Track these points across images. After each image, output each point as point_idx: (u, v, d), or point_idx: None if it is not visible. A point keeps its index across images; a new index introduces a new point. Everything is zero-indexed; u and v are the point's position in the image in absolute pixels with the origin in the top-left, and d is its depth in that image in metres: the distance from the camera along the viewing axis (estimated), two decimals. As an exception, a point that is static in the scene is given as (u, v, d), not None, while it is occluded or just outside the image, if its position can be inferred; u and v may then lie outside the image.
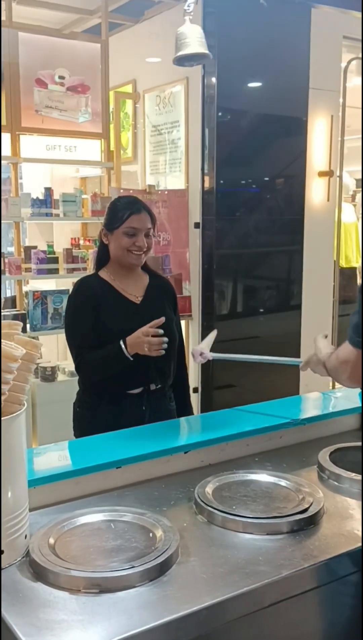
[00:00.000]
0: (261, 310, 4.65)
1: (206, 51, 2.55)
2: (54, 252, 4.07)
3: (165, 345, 2.05)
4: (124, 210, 2.22)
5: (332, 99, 4.64)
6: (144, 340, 2.05)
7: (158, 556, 1.28)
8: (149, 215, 2.25)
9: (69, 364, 4.15)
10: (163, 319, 2.07)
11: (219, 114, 4.22)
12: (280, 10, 4.20)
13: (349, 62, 5.08)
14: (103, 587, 1.21)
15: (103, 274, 2.31)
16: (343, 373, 1.50)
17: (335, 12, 4.57)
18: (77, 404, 2.32)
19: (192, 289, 4.44)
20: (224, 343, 3.92)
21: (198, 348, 2.17)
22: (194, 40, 2.62)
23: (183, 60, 2.59)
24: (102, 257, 2.33)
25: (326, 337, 1.86)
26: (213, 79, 4.23)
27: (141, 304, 2.28)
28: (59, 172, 4.95)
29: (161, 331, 2.04)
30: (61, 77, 4.10)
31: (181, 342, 2.42)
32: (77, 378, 2.34)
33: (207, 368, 4.28)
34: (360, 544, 1.35)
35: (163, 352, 2.06)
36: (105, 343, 2.15)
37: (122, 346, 2.08)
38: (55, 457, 1.77)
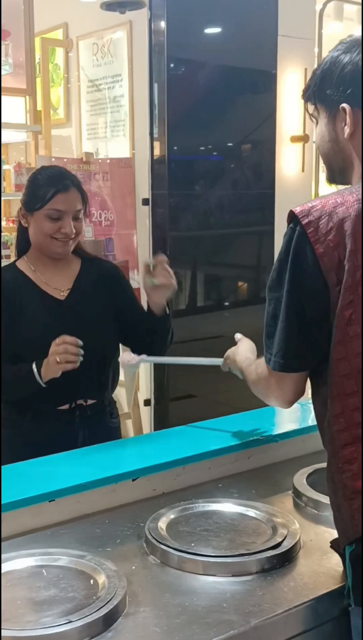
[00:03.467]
0: (226, 304, 4.68)
1: None
2: (-31, 236, 4.01)
3: (80, 356, 2.01)
4: (47, 188, 2.16)
5: (305, 49, 4.69)
6: (52, 352, 2.03)
7: (101, 607, 1.28)
8: (79, 193, 2.21)
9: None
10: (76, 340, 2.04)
11: (171, 65, 4.22)
12: None
13: (325, 5, 5.16)
14: (34, 647, 1.21)
15: (21, 264, 2.27)
16: (266, 391, 1.53)
17: None
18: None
19: (140, 278, 4.44)
20: (182, 345, 3.95)
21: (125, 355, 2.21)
22: None
23: (112, 7, 2.61)
24: (22, 243, 2.29)
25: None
26: (162, 23, 4.22)
27: (67, 300, 2.24)
28: (-26, 137, 4.87)
29: (79, 342, 2.02)
30: (-26, 20, 4.04)
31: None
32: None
33: (162, 376, 4.29)
34: (345, 583, 1.38)
35: (78, 362, 2.02)
36: (21, 355, 2.13)
37: (34, 370, 2.06)
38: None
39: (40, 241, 2.21)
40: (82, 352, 2.03)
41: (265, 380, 1.48)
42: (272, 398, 1.52)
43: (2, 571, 1.41)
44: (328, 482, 1.41)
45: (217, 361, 2.00)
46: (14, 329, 2.16)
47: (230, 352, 1.92)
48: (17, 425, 2.22)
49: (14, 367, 2.13)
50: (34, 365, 2.06)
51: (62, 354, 2.01)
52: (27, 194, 2.22)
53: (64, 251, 2.24)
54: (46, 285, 2.24)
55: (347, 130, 1.40)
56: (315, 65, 5.02)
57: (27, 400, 2.20)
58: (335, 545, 1.45)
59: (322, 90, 1.44)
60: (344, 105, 1.39)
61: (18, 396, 2.18)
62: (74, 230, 2.19)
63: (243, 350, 1.85)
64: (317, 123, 1.49)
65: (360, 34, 1.46)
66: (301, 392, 1.47)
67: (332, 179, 1.50)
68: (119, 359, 2.19)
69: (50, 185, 2.16)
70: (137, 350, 2.24)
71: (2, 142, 5.04)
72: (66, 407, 2.22)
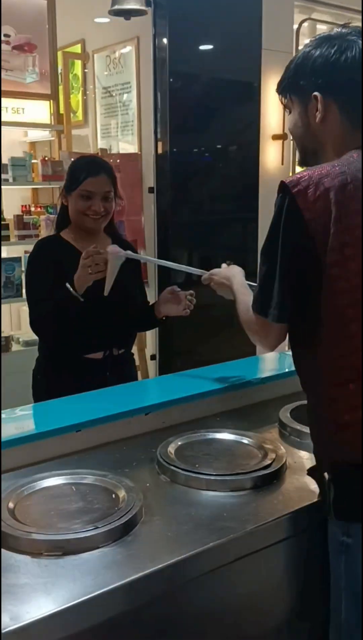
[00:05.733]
0: (217, 276, 4.63)
1: (142, 7, 2.60)
2: (4, 219, 3.94)
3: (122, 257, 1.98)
4: (80, 172, 2.13)
5: (284, 61, 4.57)
6: (82, 265, 1.99)
7: (122, 516, 1.26)
8: (109, 178, 2.16)
9: (23, 334, 4.06)
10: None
11: (171, 79, 4.13)
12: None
13: (301, 24, 5.03)
14: (66, 549, 1.19)
15: (65, 234, 2.24)
16: (254, 334, 1.46)
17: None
18: (37, 371, 2.26)
19: (148, 254, 4.38)
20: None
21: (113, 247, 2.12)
22: None
23: (120, 13, 2.63)
24: (63, 219, 2.25)
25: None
26: (164, 40, 4.11)
27: None
28: (7, 135, 4.76)
29: (100, 250, 1.97)
30: (7, 35, 3.93)
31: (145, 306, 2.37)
32: (33, 348, 2.27)
33: (165, 334, 4.25)
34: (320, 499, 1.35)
35: (101, 272, 1.98)
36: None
37: (68, 285, 2.01)
38: (12, 422, 1.72)
39: (75, 217, 2.18)
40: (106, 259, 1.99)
41: (256, 325, 1.41)
42: (258, 341, 1.46)
43: (38, 487, 1.39)
44: (310, 416, 1.37)
45: (200, 272, 1.92)
46: (60, 282, 2.08)
47: (223, 273, 1.82)
48: (56, 373, 2.19)
49: (55, 297, 2.07)
50: (67, 284, 2.02)
51: (91, 265, 1.98)
52: (67, 178, 2.20)
53: (96, 226, 2.19)
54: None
55: (318, 115, 1.34)
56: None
57: (64, 350, 2.15)
58: (311, 472, 1.43)
59: (296, 81, 1.37)
60: (316, 93, 1.34)
61: (64, 319, 2.07)
62: (103, 209, 2.14)
63: (240, 279, 1.73)
64: (290, 112, 1.42)
65: (327, 33, 1.38)
66: (280, 343, 1.42)
67: (304, 161, 1.44)
68: (108, 249, 2.07)
69: (83, 170, 2.14)
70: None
71: (30, 140, 4.99)
72: (98, 356, 2.17)
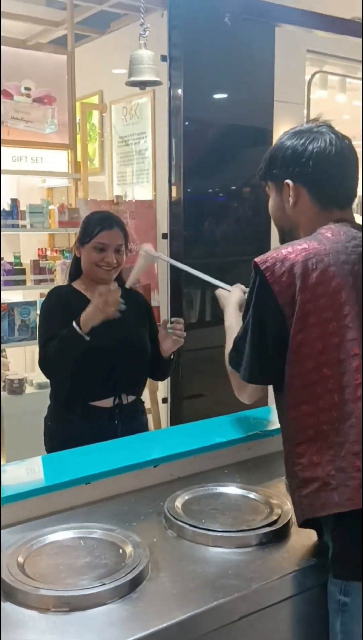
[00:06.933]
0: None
1: (156, 78, 2.81)
2: (21, 264, 4.04)
3: (122, 307, 2.05)
4: (95, 226, 2.23)
5: (296, 111, 4.72)
6: (96, 302, 2.05)
7: (128, 573, 1.28)
8: (121, 232, 2.25)
9: (37, 376, 4.11)
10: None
11: (186, 123, 4.25)
12: (245, 25, 4.26)
13: (313, 75, 5.18)
14: (73, 605, 1.21)
15: (76, 284, 2.33)
16: (232, 383, 1.58)
17: (298, 28, 4.65)
18: (49, 418, 2.31)
19: (161, 298, 4.45)
20: (195, 352, 3.95)
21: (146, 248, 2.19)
22: (147, 67, 3.01)
23: (135, 84, 2.87)
24: (76, 270, 2.34)
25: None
26: (179, 91, 4.25)
27: None
28: (25, 182, 4.92)
29: (115, 286, 2.03)
30: (27, 89, 4.08)
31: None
32: (46, 390, 2.32)
33: (176, 377, 4.28)
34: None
35: (121, 310, 2.05)
36: None
37: (74, 325, 2.07)
38: (24, 474, 1.75)
39: (88, 268, 2.26)
40: (122, 301, 2.05)
41: (232, 376, 1.55)
42: (235, 391, 1.59)
43: (48, 542, 1.41)
44: (287, 474, 1.44)
45: (224, 286, 1.96)
46: (69, 325, 2.13)
47: (222, 298, 1.89)
48: (67, 420, 2.23)
49: (61, 335, 2.12)
50: (73, 323, 2.08)
51: (104, 303, 2.05)
52: (81, 231, 2.30)
53: (108, 277, 2.26)
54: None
55: (291, 200, 1.46)
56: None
57: (74, 396, 2.20)
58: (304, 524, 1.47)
59: (271, 169, 1.50)
60: (287, 181, 1.46)
61: (70, 358, 2.14)
62: (115, 261, 2.23)
63: (232, 310, 1.80)
64: (269, 197, 1.55)
65: (300, 127, 1.51)
66: (256, 398, 1.56)
67: (283, 240, 1.55)
68: (142, 245, 2.16)
69: (98, 224, 2.23)
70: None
71: (48, 187, 5.12)
72: (108, 404, 2.21)
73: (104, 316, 2.07)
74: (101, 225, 2.22)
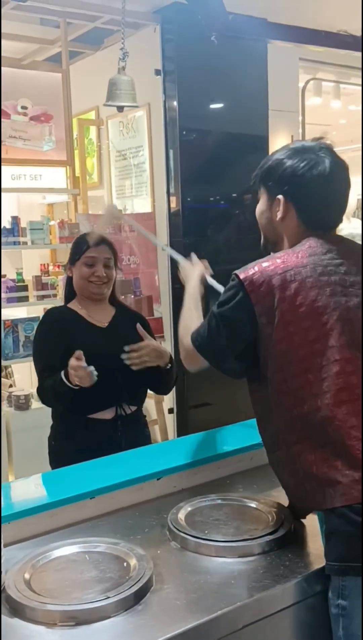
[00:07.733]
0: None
1: (133, 103, 3.18)
2: (23, 280, 4.08)
3: (95, 376, 2.05)
4: (83, 243, 2.31)
5: (291, 119, 4.75)
6: (69, 372, 2.08)
7: (132, 585, 1.30)
8: (109, 248, 2.33)
9: (42, 391, 4.15)
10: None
11: (183, 132, 4.30)
12: (237, 37, 4.30)
13: (307, 83, 5.23)
14: (79, 619, 1.24)
15: (71, 305, 2.38)
16: (184, 352, 1.60)
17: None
18: (52, 438, 2.34)
19: (163, 309, 4.48)
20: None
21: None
22: (124, 92, 3.34)
23: (113, 106, 3.21)
24: (70, 291, 2.39)
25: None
26: (174, 103, 4.31)
27: (108, 328, 2.33)
28: (25, 200, 4.97)
29: (83, 363, 2.04)
30: (24, 107, 4.14)
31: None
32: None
33: (182, 387, 4.31)
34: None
35: (94, 380, 2.05)
36: None
37: (62, 375, 2.11)
38: (29, 490, 1.79)
39: (80, 285, 2.32)
40: (94, 372, 2.05)
41: (189, 349, 1.57)
42: (183, 360, 1.63)
43: (53, 557, 1.44)
44: (284, 471, 1.49)
45: (185, 260, 2.02)
46: (66, 347, 2.18)
47: (184, 270, 1.96)
48: (69, 437, 2.27)
49: (53, 378, 2.17)
50: (62, 372, 2.11)
51: (75, 376, 2.07)
52: (71, 252, 2.38)
53: (100, 292, 2.32)
54: (91, 318, 2.33)
55: (279, 214, 1.53)
56: (300, 130, 5.09)
57: (75, 411, 2.23)
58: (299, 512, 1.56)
59: (266, 180, 1.56)
60: (280, 196, 1.52)
61: (62, 401, 2.21)
62: (105, 275, 2.28)
63: (195, 283, 1.86)
64: (259, 200, 1.61)
65: (300, 144, 1.56)
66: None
67: (266, 247, 1.62)
68: (105, 208, 2.29)
69: (85, 242, 2.31)
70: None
71: (48, 203, 5.17)
72: (109, 417, 2.24)
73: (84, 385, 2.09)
74: (88, 243, 2.30)
